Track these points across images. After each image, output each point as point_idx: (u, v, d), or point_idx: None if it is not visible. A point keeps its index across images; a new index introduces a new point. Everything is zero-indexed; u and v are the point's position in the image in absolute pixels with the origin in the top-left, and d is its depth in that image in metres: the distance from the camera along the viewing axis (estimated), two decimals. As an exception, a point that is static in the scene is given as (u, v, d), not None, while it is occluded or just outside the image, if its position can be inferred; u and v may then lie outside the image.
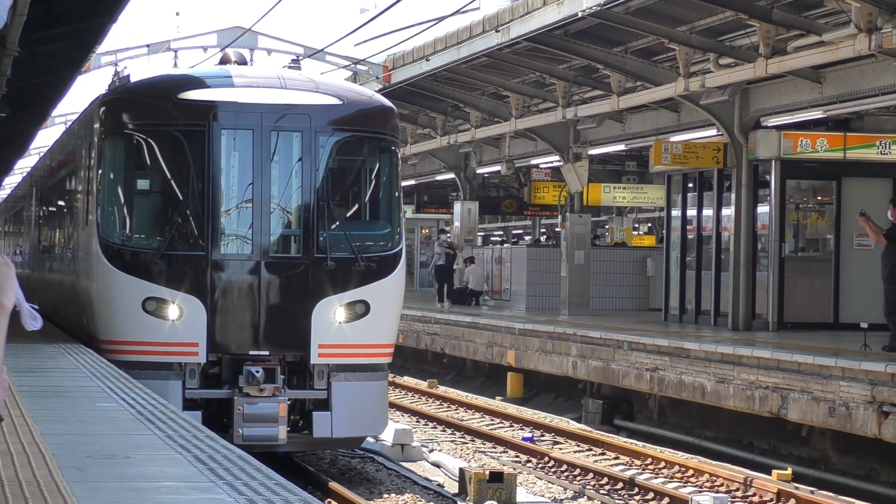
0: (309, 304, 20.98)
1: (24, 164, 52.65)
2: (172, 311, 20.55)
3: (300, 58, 34.01)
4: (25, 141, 44.60)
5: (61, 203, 29.51)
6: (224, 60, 23.64)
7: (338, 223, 21.80)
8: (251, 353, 20.58)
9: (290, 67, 24.10)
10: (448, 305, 45.43)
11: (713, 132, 34.14)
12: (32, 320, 3.78)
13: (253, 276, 20.92)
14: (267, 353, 20.63)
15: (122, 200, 22.10)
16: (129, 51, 37.13)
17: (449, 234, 51.36)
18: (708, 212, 35.68)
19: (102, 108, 22.28)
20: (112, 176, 22.06)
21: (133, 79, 23.13)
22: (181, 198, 21.31)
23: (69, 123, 30.45)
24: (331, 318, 21.03)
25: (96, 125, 22.30)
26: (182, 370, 20.48)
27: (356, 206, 22.99)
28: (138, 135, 21.86)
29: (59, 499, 8.65)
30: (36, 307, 3.81)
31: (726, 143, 33.72)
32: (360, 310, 21.24)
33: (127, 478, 9.53)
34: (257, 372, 20.02)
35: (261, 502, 8.84)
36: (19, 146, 45.42)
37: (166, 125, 21.64)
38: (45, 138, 47.41)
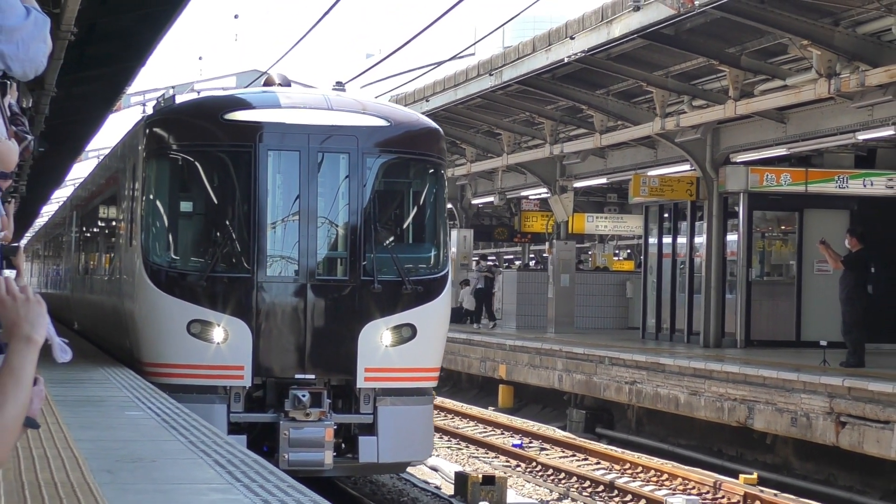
0: (355, 327, 18.93)
1: (60, 194, 52.58)
2: (217, 334, 18.55)
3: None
4: (61, 173, 44.62)
5: (103, 225, 27.44)
6: (268, 83, 21.58)
7: (385, 245, 19.75)
8: (297, 376, 18.59)
9: (335, 90, 21.67)
10: (491, 326, 44.99)
11: (687, 167, 34.12)
12: (63, 353, 3.76)
13: (299, 299, 18.93)
14: (312, 376, 18.61)
15: (167, 222, 20.10)
16: (155, 91, 35.07)
17: (490, 261, 51.21)
18: (682, 239, 35.67)
19: (147, 129, 20.14)
20: (157, 197, 19.94)
21: (178, 100, 20.88)
22: (227, 219, 19.46)
23: (110, 149, 28.10)
24: (377, 341, 18.97)
25: (141, 146, 20.26)
26: (227, 394, 18.51)
27: (403, 229, 20.90)
28: (183, 155, 19.88)
29: (91, 499, 8.65)
30: (66, 341, 3.79)
31: (699, 177, 33.74)
32: (406, 333, 19.18)
33: (153, 480, 9.53)
34: (304, 396, 18.09)
35: (274, 502, 8.82)
36: (56, 178, 45.42)
37: (212, 146, 19.58)
38: (80, 171, 47.36)
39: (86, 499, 8.67)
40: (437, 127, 21.01)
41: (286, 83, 21.22)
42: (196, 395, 18.17)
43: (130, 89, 31.38)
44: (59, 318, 32.70)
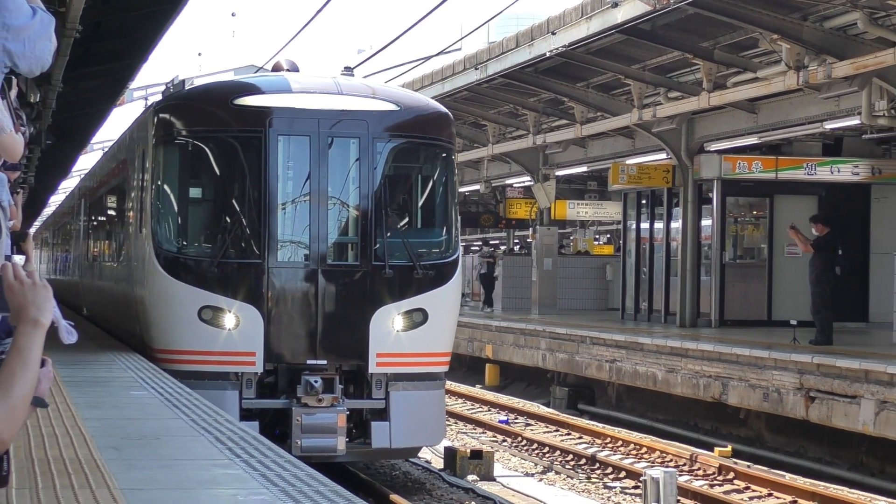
0: (367, 312, 17.98)
1: (67, 185, 52.52)
2: (229, 320, 17.61)
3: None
4: (68, 165, 44.57)
5: (112, 212, 26.15)
6: (276, 68, 20.51)
7: (396, 230, 18.61)
8: (308, 362, 17.67)
9: (343, 75, 20.48)
10: (489, 310, 44.45)
11: (663, 156, 34.13)
12: (69, 335, 3.74)
13: (310, 285, 17.93)
14: (324, 362, 17.70)
15: (177, 208, 18.96)
16: (157, 86, 33.94)
17: (491, 247, 51.18)
18: (659, 224, 35.71)
19: (157, 115, 19.02)
20: (166, 183, 18.77)
21: (187, 86, 19.41)
22: (237, 205, 18.48)
23: (118, 138, 26.14)
24: (389, 326, 18.04)
25: (150, 133, 19.11)
26: (238, 380, 17.52)
27: (413, 214, 19.77)
28: (193, 141, 18.76)
29: (98, 475, 8.66)
30: (72, 323, 3.78)
31: (674, 165, 33.78)
32: (417, 318, 18.23)
33: (158, 457, 9.54)
34: (316, 382, 17.16)
35: (272, 476, 8.84)
36: (62, 169, 45.38)
37: (222, 131, 18.48)
38: (85, 162, 47.28)
39: (93, 474, 8.68)
40: (447, 112, 19.98)
41: (294, 69, 20.16)
42: (207, 382, 17.34)
43: (133, 84, 31.29)
44: (68, 304, 32.62)
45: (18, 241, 6.66)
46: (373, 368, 17.86)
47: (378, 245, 18.14)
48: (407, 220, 19.37)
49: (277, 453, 10.03)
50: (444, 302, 18.64)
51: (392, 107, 18.76)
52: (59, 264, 44.86)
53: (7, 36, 5.39)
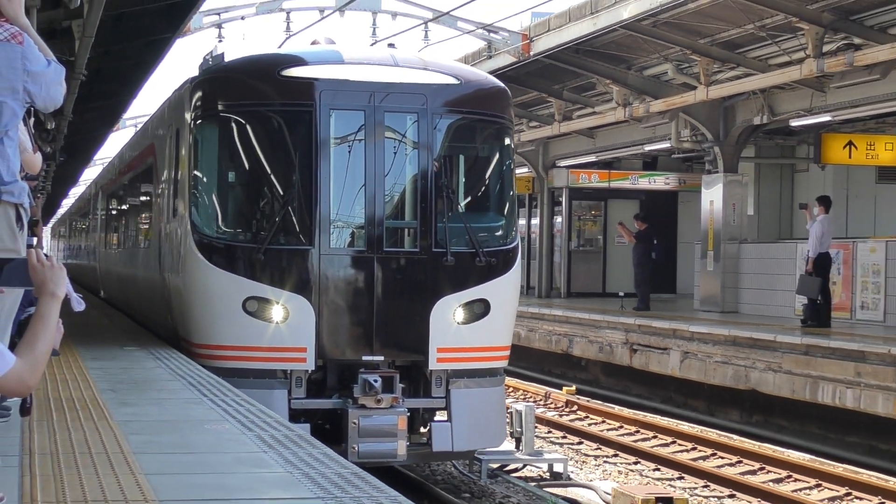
0: (427, 303, 12.85)
1: (75, 191, 51.83)
2: (276, 313, 12.52)
3: (427, 22, 24.21)
4: (76, 175, 44.30)
5: (137, 199, 19.90)
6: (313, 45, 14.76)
7: (457, 214, 13.39)
8: (364, 358, 12.65)
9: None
10: None
11: (527, 169, 34.35)
12: (78, 304, 3.83)
13: (366, 273, 12.75)
14: (381, 357, 12.70)
15: (219, 190, 13.49)
16: (235, 10, 24.65)
17: None
18: (522, 221, 36.01)
19: (195, 90, 13.56)
20: (206, 163, 13.37)
21: (227, 58, 13.91)
22: (285, 186, 12.98)
23: (142, 125, 20.38)
24: (450, 318, 12.96)
25: (187, 109, 13.63)
26: (287, 378, 12.55)
27: (474, 196, 14.22)
28: (236, 117, 13.18)
29: (99, 409, 8.64)
30: (81, 295, 3.86)
31: (534, 177, 34.02)
32: (478, 309, 13.15)
33: (147, 398, 9.51)
34: (376, 381, 12.29)
35: (232, 411, 8.76)
36: (72, 179, 45.13)
37: (268, 105, 13.12)
38: (89, 174, 46.65)
39: (95, 409, 8.67)
40: (506, 87, 14.39)
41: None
42: (253, 381, 12.30)
43: (126, 115, 31.02)
44: (86, 286, 30.87)
45: (32, 227, 6.73)
46: (433, 365, 12.86)
47: (440, 230, 13.06)
48: (468, 203, 14.04)
49: (236, 394, 9.89)
50: (505, 292, 13.53)
51: (451, 80, 13.55)
52: (78, 252, 38.02)
53: (28, 80, 5.51)
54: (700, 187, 26.31)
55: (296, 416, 12.34)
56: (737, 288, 25.15)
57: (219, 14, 24.71)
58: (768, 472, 15.96)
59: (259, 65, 13.54)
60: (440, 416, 13.35)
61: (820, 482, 15.21)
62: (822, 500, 14.46)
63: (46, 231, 56.24)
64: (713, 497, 14.82)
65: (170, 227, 14.33)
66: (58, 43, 13.33)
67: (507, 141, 14.10)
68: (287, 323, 12.55)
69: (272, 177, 13.22)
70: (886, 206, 28.67)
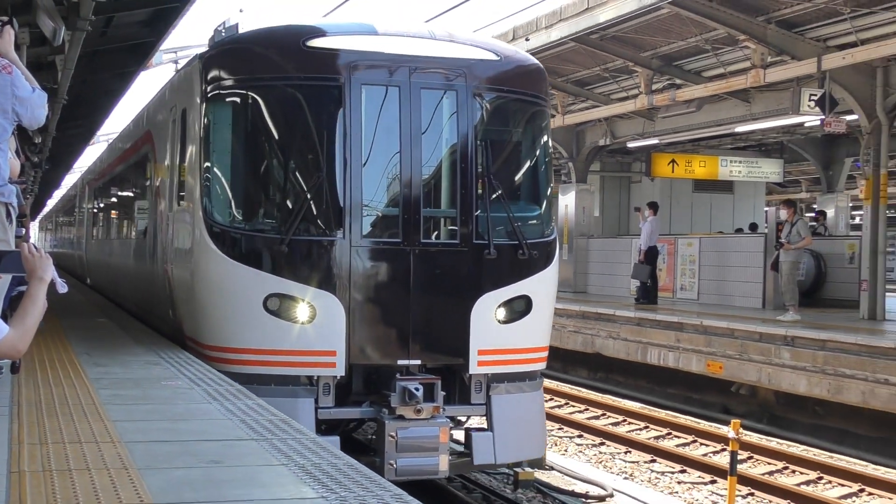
0: (468, 301, 9.32)
1: (58, 193, 50.74)
2: (302, 312, 8.92)
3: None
4: (58, 180, 43.98)
5: (131, 189, 15.22)
6: None
7: (499, 202, 9.62)
8: (399, 362, 9.15)
9: None
10: None
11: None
12: (61, 287, 3.85)
13: (401, 267, 9.18)
14: (418, 361, 9.20)
15: (236, 174, 9.54)
16: (190, 49, 21.06)
17: None
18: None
19: (206, 65, 9.61)
20: (220, 144, 9.52)
21: (242, 29, 9.87)
22: (310, 170, 9.25)
23: (136, 114, 15.20)
24: (491, 317, 9.43)
25: (197, 86, 9.69)
26: (314, 385, 8.98)
27: (513, 183, 10.12)
28: (254, 94, 9.35)
29: (77, 369, 8.52)
30: (64, 280, 3.87)
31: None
32: (519, 307, 9.61)
33: (116, 360, 9.34)
34: (417, 389, 8.88)
35: (200, 383, 8.49)
36: (55, 184, 44.76)
37: (291, 79, 9.25)
38: (69, 180, 45.72)
39: (72, 367, 8.55)
40: (542, 66, 10.53)
41: None
42: (275, 388, 8.84)
43: (100, 132, 30.60)
44: (73, 274, 26.45)
45: (21, 219, 6.63)
46: (473, 368, 9.39)
47: (481, 220, 9.50)
48: (509, 190, 9.99)
49: (200, 364, 9.51)
50: (546, 288, 9.96)
51: (491, 56, 9.88)
52: (65, 243, 32.29)
53: (16, 103, 5.62)
54: (558, 194, 26.60)
55: (324, 426, 9.14)
56: (586, 273, 25.49)
57: (175, 52, 24.51)
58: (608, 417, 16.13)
59: (281, 35, 9.55)
60: (472, 421, 10.02)
61: (671, 431, 15.49)
62: (649, 438, 14.73)
63: (34, 225, 55.07)
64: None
65: (174, 215, 10.45)
66: (44, 74, 13.14)
67: (546, 123, 10.37)
68: (314, 323, 8.96)
69: (297, 160, 9.49)
70: (700, 210, 29.35)
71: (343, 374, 9.02)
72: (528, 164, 10.30)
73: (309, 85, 9.30)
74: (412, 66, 9.38)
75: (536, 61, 10.41)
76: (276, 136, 9.46)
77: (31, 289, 3.55)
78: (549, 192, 10.23)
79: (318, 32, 9.37)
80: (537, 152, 10.28)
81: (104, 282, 18.61)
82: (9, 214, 5.66)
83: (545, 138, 10.30)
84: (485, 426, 9.52)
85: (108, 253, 17.74)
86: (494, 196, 9.57)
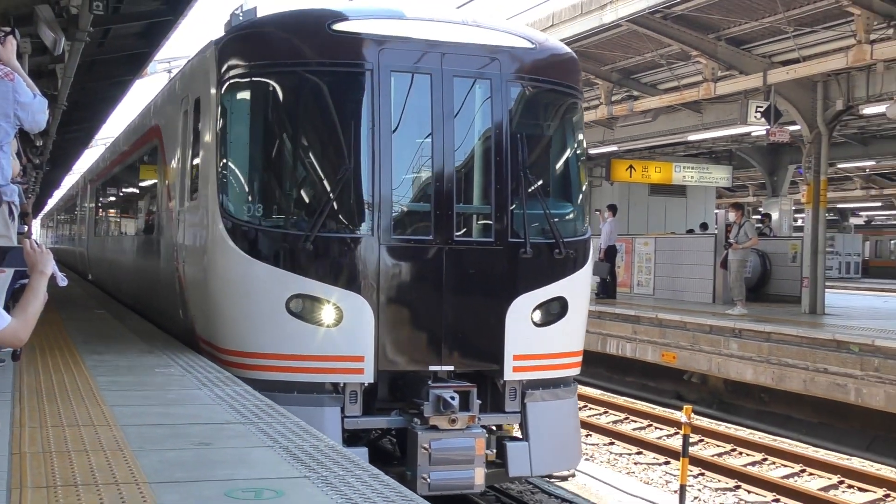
0: (503, 303, 8.09)
1: (58, 193, 50.32)
2: (327, 314, 7.67)
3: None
4: (58, 181, 43.79)
5: (136, 185, 13.68)
6: None
7: (535, 199, 8.39)
8: (431, 368, 7.91)
9: None
10: None
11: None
12: (62, 281, 3.85)
13: (434, 267, 7.91)
14: (451, 367, 7.96)
15: (256, 167, 8.19)
16: (182, 59, 20.98)
17: None
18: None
19: (223, 51, 8.31)
20: (238, 135, 8.13)
21: (261, 14, 8.46)
22: (336, 162, 7.89)
23: (144, 106, 13.23)
24: (526, 320, 8.21)
25: (213, 73, 8.35)
26: (341, 392, 7.75)
27: (547, 178, 8.78)
28: (276, 81, 8.01)
29: (75, 357, 8.46)
30: (64, 274, 3.87)
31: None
32: (555, 309, 8.39)
33: (111, 348, 9.28)
34: (453, 398, 7.64)
35: (192, 370, 8.36)
36: (54, 184, 44.57)
37: (316, 65, 7.91)
38: (69, 180, 45.34)
39: (71, 356, 8.50)
40: (575, 55, 9.17)
41: None
42: (298, 396, 7.63)
43: (97, 136, 30.48)
44: (74, 270, 25.33)
45: (23, 218, 6.59)
46: (508, 375, 8.16)
47: (517, 217, 8.23)
48: (545, 185, 8.71)
49: (181, 347, 9.61)
50: (581, 289, 8.70)
51: (526, 44, 8.56)
52: (67, 240, 30.38)
53: (17, 108, 5.61)
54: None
55: (351, 437, 7.91)
56: (550, 270, 25.45)
57: (169, 62, 24.74)
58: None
59: (304, 18, 8.23)
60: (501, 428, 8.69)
61: (628, 415, 15.55)
62: (607, 422, 14.80)
63: (36, 222, 54.69)
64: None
65: (186, 211, 9.15)
66: (45, 81, 13.08)
67: (580, 115, 9.17)
68: (340, 326, 7.72)
69: (320, 150, 8.20)
70: (655, 212, 29.51)
71: (372, 380, 7.81)
72: (563, 157, 9.01)
73: (334, 71, 7.96)
74: (443, 52, 8.12)
75: (570, 51, 9.09)
76: (299, 126, 8.21)
77: (32, 282, 3.54)
78: (583, 188, 9.05)
79: (343, 16, 8.08)
80: (572, 145, 9.03)
81: (108, 279, 17.19)
82: (11, 212, 5.64)
83: (580, 130, 9.11)
84: (517, 435, 8.39)
85: (113, 250, 16.28)
86: (530, 190, 8.32)
